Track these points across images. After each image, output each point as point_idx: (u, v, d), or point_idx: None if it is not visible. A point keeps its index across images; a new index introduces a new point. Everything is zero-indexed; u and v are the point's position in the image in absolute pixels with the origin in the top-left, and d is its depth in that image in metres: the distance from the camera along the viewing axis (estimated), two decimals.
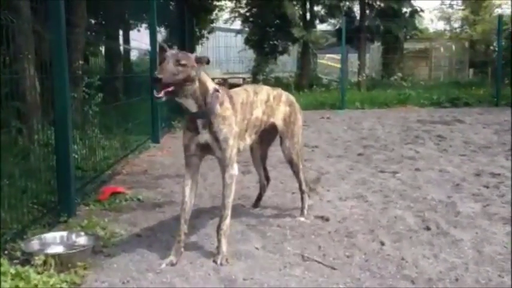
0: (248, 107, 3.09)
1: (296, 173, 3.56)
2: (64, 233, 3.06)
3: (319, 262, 2.78)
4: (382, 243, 3.05)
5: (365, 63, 16.44)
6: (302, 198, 3.61)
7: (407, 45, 18.79)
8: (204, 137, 2.78)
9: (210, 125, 2.75)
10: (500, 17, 12.96)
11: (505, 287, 2.44)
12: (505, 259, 2.77)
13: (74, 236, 3.02)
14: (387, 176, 4.85)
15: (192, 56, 2.69)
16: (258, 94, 3.24)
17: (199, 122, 2.77)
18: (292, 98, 3.55)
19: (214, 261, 2.74)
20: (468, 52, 19.82)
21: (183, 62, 2.60)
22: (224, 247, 2.80)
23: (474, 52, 19.68)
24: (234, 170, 2.86)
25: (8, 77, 4.09)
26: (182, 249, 2.81)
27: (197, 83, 2.69)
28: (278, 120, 3.38)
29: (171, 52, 2.63)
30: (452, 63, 20.23)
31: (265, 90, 3.35)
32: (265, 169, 3.82)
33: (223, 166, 2.84)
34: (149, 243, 3.11)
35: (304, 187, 3.60)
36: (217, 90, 2.80)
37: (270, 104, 3.31)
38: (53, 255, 2.65)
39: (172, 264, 2.72)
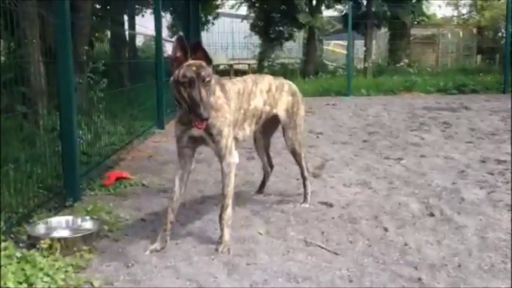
0: (245, 97, 3.06)
1: (299, 162, 3.57)
2: (69, 217, 3.09)
3: (322, 247, 2.80)
4: (386, 229, 3.06)
5: (371, 50, 16.31)
6: (304, 185, 3.61)
7: (415, 31, 18.62)
8: (198, 130, 2.69)
9: None
10: (509, 2, 12.77)
11: (508, 273, 2.45)
12: (509, 245, 2.77)
13: (79, 220, 3.05)
14: (392, 163, 4.84)
15: (209, 66, 2.57)
16: (258, 84, 3.21)
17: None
18: (294, 87, 3.51)
19: (216, 250, 2.73)
20: (476, 38, 19.60)
21: (207, 79, 2.52)
22: (227, 236, 2.78)
23: (482, 38, 19.47)
24: (233, 158, 2.80)
25: (13, 61, 4.10)
26: (168, 238, 2.80)
27: None
28: (281, 111, 3.36)
29: (192, 69, 2.50)
30: (459, 49, 20.02)
31: (266, 80, 3.32)
32: (268, 156, 3.83)
33: (220, 156, 2.79)
34: (153, 227, 3.14)
35: (306, 173, 3.61)
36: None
37: (272, 94, 3.29)
38: (59, 239, 2.68)
39: (157, 251, 2.73)
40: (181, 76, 2.51)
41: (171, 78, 2.59)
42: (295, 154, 3.51)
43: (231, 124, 2.82)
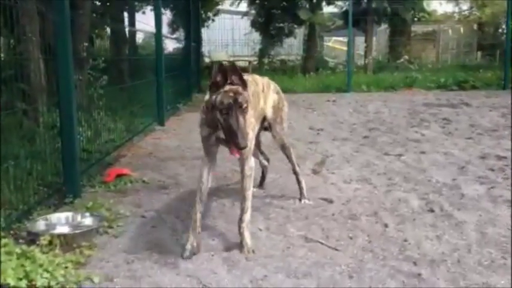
0: (256, 98, 3.06)
1: (289, 157, 3.56)
2: (69, 214, 3.09)
3: (322, 243, 2.80)
4: (386, 225, 3.06)
5: (372, 46, 16.30)
6: (298, 181, 3.61)
7: (415, 28, 18.61)
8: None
9: None
10: None
11: (508, 269, 2.45)
12: (509, 241, 2.77)
13: (79, 217, 3.06)
14: (392, 159, 4.84)
15: (246, 90, 2.54)
16: (258, 85, 3.23)
17: None
18: (277, 86, 3.54)
19: (242, 253, 2.65)
20: (476, 34, 19.58)
21: (245, 105, 2.48)
22: (248, 239, 2.69)
23: (482, 34, 19.44)
24: (252, 162, 2.78)
25: (13, 58, 4.10)
26: (200, 230, 2.72)
27: None
28: (268, 108, 3.37)
29: (230, 95, 2.45)
30: (460, 45, 20.01)
31: (259, 80, 3.34)
32: (262, 152, 3.83)
33: (242, 159, 2.75)
34: (154, 224, 3.14)
35: (297, 169, 3.61)
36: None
37: (264, 93, 3.32)
38: (59, 236, 2.69)
39: (194, 247, 2.65)
40: (218, 102, 2.47)
41: (206, 101, 2.57)
42: (284, 148, 3.51)
43: (254, 128, 2.83)
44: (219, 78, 2.52)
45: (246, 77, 3.31)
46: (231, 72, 2.53)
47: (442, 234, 2.90)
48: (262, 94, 3.26)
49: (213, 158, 2.81)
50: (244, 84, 2.55)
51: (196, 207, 2.75)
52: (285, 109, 3.51)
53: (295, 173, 3.62)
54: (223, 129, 2.51)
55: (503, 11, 14.53)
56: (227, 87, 2.50)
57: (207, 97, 2.60)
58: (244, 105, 2.49)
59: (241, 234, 2.73)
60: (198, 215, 2.74)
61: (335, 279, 2.38)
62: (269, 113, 3.38)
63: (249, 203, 2.75)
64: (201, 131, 2.76)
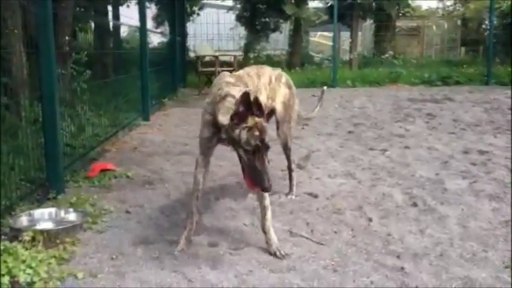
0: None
1: (288, 156, 3.56)
2: (53, 210, 3.07)
3: (307, 238, 2.81)
4: (370, 220, 3.08)
5: (357, 41, 16.34)
6: (291, 177, 3.62)
7: (400, 23, 18.68)
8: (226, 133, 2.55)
9: None
10: None
11: (489, 262, 2.49)
12: (490, 235, 2.82)
13: (62, 213, 3.04)
14: (376, 154, 4.87)
15: (264, 120, 2.41)
16: (261, 77, 3.17)
17: None
18: (290, 80, 3.49)
19: (275, 254, 2.57)
20: (460, 30, 19.74)
21: (270, 145, 2.36)
22: (274, 238, 2.63)
23: (466, 30, 19.61)
24: None
25: None
26: (192, 237, 2.72)
27: None
28: (278, 103, 3.33)
29: (256, 135, 2.30)
30: (444, 41, 20.16)
31: (267, 72, 3.28)
32: None
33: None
34: (138, 219, 3.13)
35: (293, 166, 3.62)
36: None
37: (272, 86, 3.25)
38: (42, 231, 2.66)
39: (184, 251, 2.64)
40: (244, 142, 2.32)
41: (226, 127, 2.41)
42: (286, 148, 3.50)
43: None
44: (241, 109, 2.33)
45: (248, 69, 3.22)
46: (254, 104, 2.34)
47: (425, 228, 2.94)
48: (269, 87, 3.21)
49: (208, 160, 2.75)
50: (262, 113, 2.41)
51: (194, 217, 2.73)
52: (296, 107, 3.45)
53: (289, 169, 3.61)
54: (243, 165, 2.39)
55: (486, 7, 14.67)
56: (251, 122, 2.33)
57: (207, 100, 2.53)
58: (270, 144, 2.38)
59: (266, 233, 2.65)
60: (194, 225, 2.73)
61: (319, 273, 2.40)
62: (278, 109, 3.33)
63: (267, 201, 2.66)
64: (202, 131, 2.66)
